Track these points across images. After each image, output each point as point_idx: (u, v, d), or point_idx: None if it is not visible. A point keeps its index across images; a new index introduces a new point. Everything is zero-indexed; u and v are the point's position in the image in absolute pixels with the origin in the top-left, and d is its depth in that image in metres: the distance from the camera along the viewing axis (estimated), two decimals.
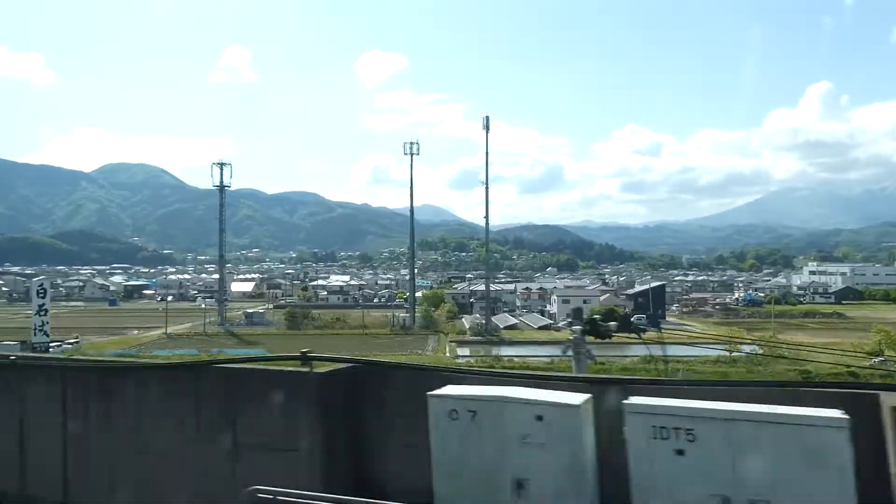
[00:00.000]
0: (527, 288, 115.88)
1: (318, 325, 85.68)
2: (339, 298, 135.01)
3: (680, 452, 6.07)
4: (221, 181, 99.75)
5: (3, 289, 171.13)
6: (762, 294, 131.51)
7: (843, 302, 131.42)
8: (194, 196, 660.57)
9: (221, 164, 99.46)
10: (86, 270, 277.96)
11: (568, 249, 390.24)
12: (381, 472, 8.28)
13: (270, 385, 8.41)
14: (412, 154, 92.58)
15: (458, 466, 6.86)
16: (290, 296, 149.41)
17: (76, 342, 66.58)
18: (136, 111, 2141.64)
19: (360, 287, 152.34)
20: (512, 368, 50.65)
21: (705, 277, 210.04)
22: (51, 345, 60.43)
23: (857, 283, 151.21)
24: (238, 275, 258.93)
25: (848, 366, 45.17)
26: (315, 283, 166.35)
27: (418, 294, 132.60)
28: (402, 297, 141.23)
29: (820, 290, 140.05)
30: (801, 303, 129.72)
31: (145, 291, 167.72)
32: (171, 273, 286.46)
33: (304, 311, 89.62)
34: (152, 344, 74.31)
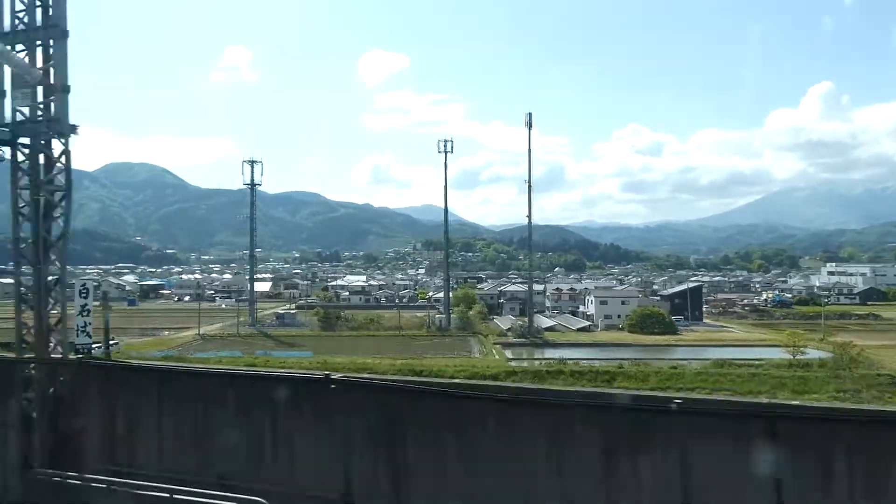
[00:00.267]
0: (557, 289, 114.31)
1: (352, 326, 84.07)
2: (360, 299, 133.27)
3: None
4: (252, 179, 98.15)
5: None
6: (789, 295, 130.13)
7: (868, 303, 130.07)
8: (196, 196, 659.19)
9: (252, 162, 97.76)
10: (92, 270, 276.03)
11: (574, 250, 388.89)
12: None
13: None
14: (446, 152, 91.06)
15: None
16: (307, 296, 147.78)
17: (115, 344, 64.78)
18: (137, 111, 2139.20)
19: (380, 287, 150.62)
20: (581, 372, 49.16)
21: (721, 278, 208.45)
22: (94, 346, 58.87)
23: (879, 284, 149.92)
24: (244, 275, 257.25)
25: None
26: (333, 283, 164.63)
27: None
28: (423, 298, 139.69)
29: (844, 290, 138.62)
30: (826, 304, 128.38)
31: (162, 291, 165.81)
32: (178, 272, 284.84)
33: (336, 312, 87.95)
34: (188, 345, 72.70)
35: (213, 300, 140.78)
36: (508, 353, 66.12)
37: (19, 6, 12.85)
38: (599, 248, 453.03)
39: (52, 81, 12.81)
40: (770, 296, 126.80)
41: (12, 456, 11.01)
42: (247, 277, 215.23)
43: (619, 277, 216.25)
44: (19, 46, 12.82)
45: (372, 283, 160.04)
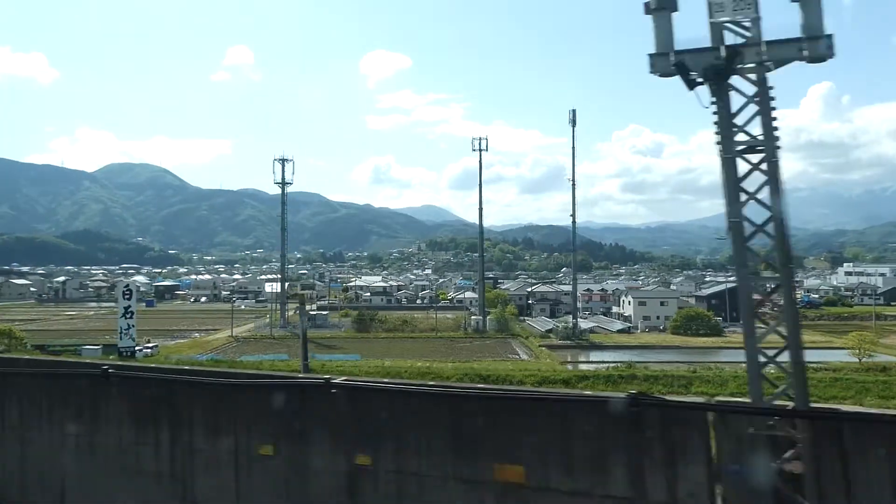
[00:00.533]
0: (588, 290, 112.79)
1: (387, 327, 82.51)
2: (382, 300, 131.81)
3: None
4: (283, 177, 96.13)
5: (32, 289, 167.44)
6: (815, 296, 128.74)
7: (893, 303, 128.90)
8: (197, 196, 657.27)
9: (283, 160, 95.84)
10: (98, 271, 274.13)
11: (581, 250, 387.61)
12: None
13: None
14: (480, 150, 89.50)
15: None
16: (321, 297, 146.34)
17: (154, 347, 63.31)
18: (138, 111, 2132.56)
19: (399, 287, 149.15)
20: (656, 377, 47.73)
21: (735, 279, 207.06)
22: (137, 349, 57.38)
23: None
24: (255, 275, 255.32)
25: None
26: (351, 283, 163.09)
27: (470, 295, 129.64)
28: (444, 298, 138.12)
29: (868, 291, 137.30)
30: (852, 304, 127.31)
31: (177, 292, 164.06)
32: (184, 273, 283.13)
33: (370, 314, 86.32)
34: (224, 348, 71.13)
35: (231, 301, 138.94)
36: (563, 357, 64.62)
37: None
38: (604, 248, 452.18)
39: None
40: (798, 297, 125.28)
41: None
42: (259, 277, 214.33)
43: (639, 278, 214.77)
44: None
45: (391, 283, 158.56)
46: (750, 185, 8.40)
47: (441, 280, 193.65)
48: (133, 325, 56.28)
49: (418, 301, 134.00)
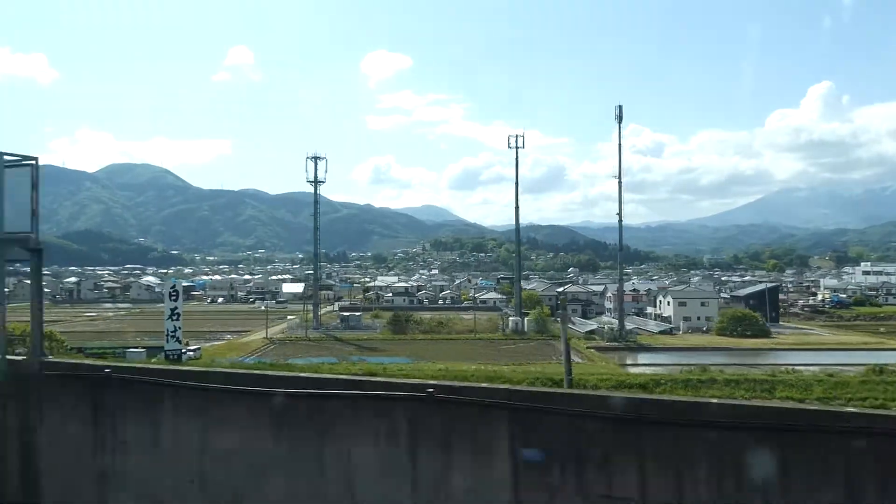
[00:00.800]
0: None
1: (423, 328, 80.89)
2: (404, 300, 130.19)
3: None
4: (315, 177, 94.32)
5: (46, 290, 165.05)
6: (843, 295, 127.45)
7: None
8: (198, 197, 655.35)
9: (316, 158, 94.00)
10: (103, 271, 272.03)
11: (587, 250, 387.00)
12: None
13: None
14: (517, 148, 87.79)
15: None
16: (340, 297, 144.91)
17: (197, 350, 61.56)
18: (139, 112, 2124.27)
19: (419, 288, 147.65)
20: (736, 381, 46.19)
21: (752, 278, 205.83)
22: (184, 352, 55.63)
23: None
24: (255, 275, 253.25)
25: None
26: (370, 283, 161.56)
27: (493, 296, 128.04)
28: (466, 299, 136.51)
29: (893, 290, 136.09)
30: (879, 304, 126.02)
31: (193, 293, 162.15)
32: (189, 273, 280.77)
33: (406, 315, 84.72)
34: (263, 350, 69.51)
35: (250, 301, 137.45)
36: (613, 359, 62.98)
37: None
38: (608, 247, 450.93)
39: None
40: (827, 296, 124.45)
41: None
42: (271, 278, 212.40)
43: (653, 277, 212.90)
44: None
45: (411, 283, 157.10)
46: None
47: (458, 280, 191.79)
48: (180, 328, 54.57)
49: (440, 301, 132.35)
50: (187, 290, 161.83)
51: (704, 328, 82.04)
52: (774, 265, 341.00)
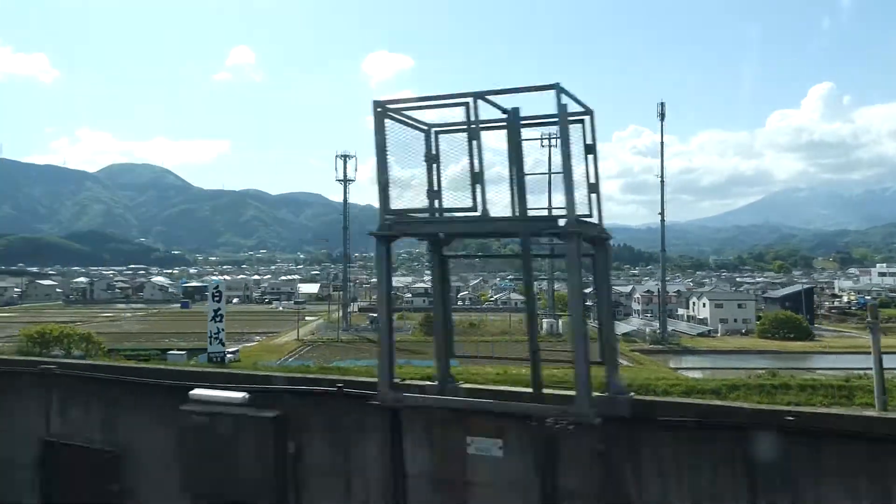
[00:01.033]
0: (648, 291, 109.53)
1: (457, 330, 79.28)
2: (423, 301, 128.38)
3: None
4: (345, 175, 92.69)
5: (58, 290, 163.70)
6: (868, 297, 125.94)
7: None
8: (199, 197, 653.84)
9: (345, 157, 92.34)
10: (109, 272, 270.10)
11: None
12: None
13: None
14: (550, 146, 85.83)
15: None
16: (355, 298, 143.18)
17: (235, 352, 60.00)
18: (140, 112, 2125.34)
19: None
20: (813, 386, 44.78)
21: (764, 279, 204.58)
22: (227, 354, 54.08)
23: None
24: (254, 275, 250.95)
25: None
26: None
27: (514, 296, 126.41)
28: (485, 299, 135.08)
29: None
30: None
31: (206, 293, 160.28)
32: (195, 274, 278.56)
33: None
34: (297, 352, 67.92)
35: (267, 302, 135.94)
36: (661, 361, 61.43)
37: None
38: (612, 248, 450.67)
39: None
40: (853, 298, 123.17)
41: None
42: (282, 278, 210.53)
43: (675, 278, 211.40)
44: None
45: (424, 285, 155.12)
46: None
47: (473, 281, 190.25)
48: (223, 329, 53.09)
49: (459, 303, 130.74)
50: (201, 290, 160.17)
51: (743, 330, 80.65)
52: (780, 266, 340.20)
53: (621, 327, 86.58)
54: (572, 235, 6.37)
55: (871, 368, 54.25)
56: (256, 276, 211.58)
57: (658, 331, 73.66)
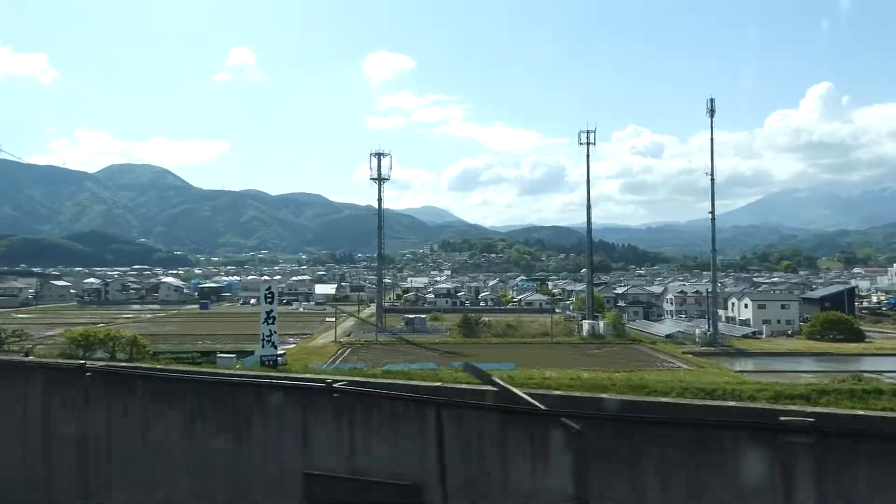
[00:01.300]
0: (682, 292, 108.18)
1: (495, 332, 77.66)
2: (446, 302, 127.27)
3: None
4: (379, 174, 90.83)
5: (71, 291, 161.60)
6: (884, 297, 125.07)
7: None
8: (199, 197, 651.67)
9: (380, 155, 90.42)
10: (114, 272, 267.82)
11: (601, 251, 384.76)
12: None
13: None
14: (588, 143, 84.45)
15: None
16: (373, 299, 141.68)
17: (282, 355, 58.13)
18: (140, 112, 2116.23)
19: (457, 290, 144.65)
20: None
21: (778, 280, 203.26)
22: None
23: None
24: (260, 275, 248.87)
25: None
26: (407, 285, 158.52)
27: (538, 297, 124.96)
28: (508, 301, 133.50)
29: None
30: None
31: (223, 294, 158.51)
32: (200, 274, 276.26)
33: (476, 317, 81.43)
34: (337, 355, 66.16)
35: (285, 303, 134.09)
36: (717, 364, 59.74)
37: None
38: (616, 249, 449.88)
39: None
40: (883, 298, 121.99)
41: None
42: (295, 279, 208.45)
43: (671, 279, 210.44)
44: None
45: (446, 285, 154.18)
46: None
47: (493, 281, 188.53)
48: (275, 332, 51.28)
49: (482, 304, 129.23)
50: (216, 290, 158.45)
51: (789, 332, 79.08)
52: (787, 266, 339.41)
53: (662, 328, 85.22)
54: None
55: None
56: (266, 277, 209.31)
57: (708, 332, 71.97)
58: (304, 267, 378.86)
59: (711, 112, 72.31)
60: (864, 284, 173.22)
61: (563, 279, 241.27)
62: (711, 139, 72.94)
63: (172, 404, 7.66)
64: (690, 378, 49.66)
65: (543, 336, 76.65)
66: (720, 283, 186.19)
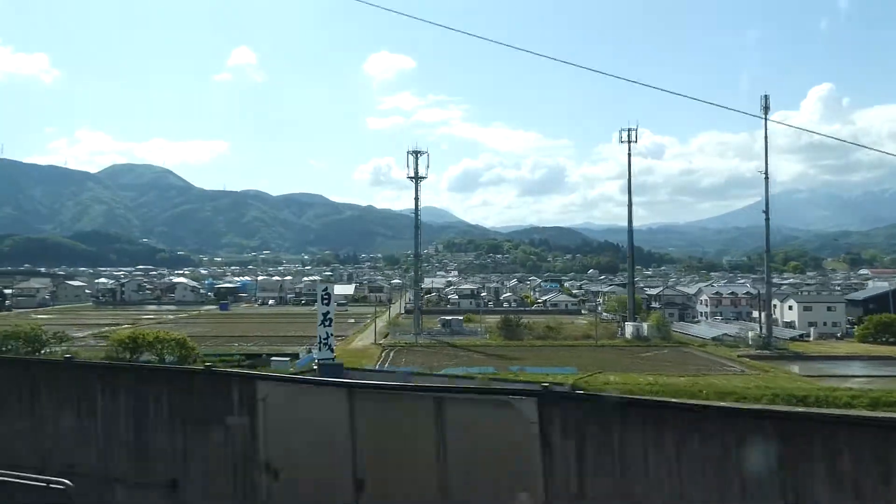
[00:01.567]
0: (717, 293, 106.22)
1: (537, 334, 75.94)
2: (470, 303, 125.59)
3: None
4: (416, 173, 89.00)
5: (86, 291, 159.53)
6: None
7: None
8: (201, 197, 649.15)
9: (417, 153, 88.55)
10: (119, 272, 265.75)
11: (608, 251, 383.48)
12: None
13: None
14: (630, 141, 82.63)
15: None
16: (388, 299, 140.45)
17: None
18: (141, 112, 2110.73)
19: (479, 291, 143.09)
20: None
21: (795, 280, 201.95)
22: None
23: None
24: (261, 276, 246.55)
25: None
26: (425, 286, 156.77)
27: (563, 298, 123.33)
28: (532, 301, 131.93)
29: None
30: None
31: (241, 294, 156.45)
32: (206, 275, 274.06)
33: (516, 319, 79.62)
34: (382, 358, 64.37)
35: (303, 303, 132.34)
36: (774, 368, 58.08)
37: None
38: (621, 249, 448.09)
39: None
40: None
41: None
42: (304, 279, 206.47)
43: (702, 280, 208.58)
44: None
45: (468, 286, 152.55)
46: None
47: (511, 282, 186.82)
48: (332, 334, 49.45)
49: (504, 305, 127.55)
50: (233, 291, 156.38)
51: (838, 334, 77.42)
52: (795, 267, 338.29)
53: (701, 330, 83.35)
54: None
55: None
56: (276, 277, 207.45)
57: (762, 335, 70.19)
58: (309, 268, 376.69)
59: (766, 109, 70.39)
60: (883, 285, 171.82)
61: (579, 280, 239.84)
62: (766, 137, 71.29)
63: None
64: (768, 384, 47.95)
65: (586, 338, 74.93)
66: (742, 283, 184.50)
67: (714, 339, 74.16)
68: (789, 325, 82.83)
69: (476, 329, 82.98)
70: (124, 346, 51.66)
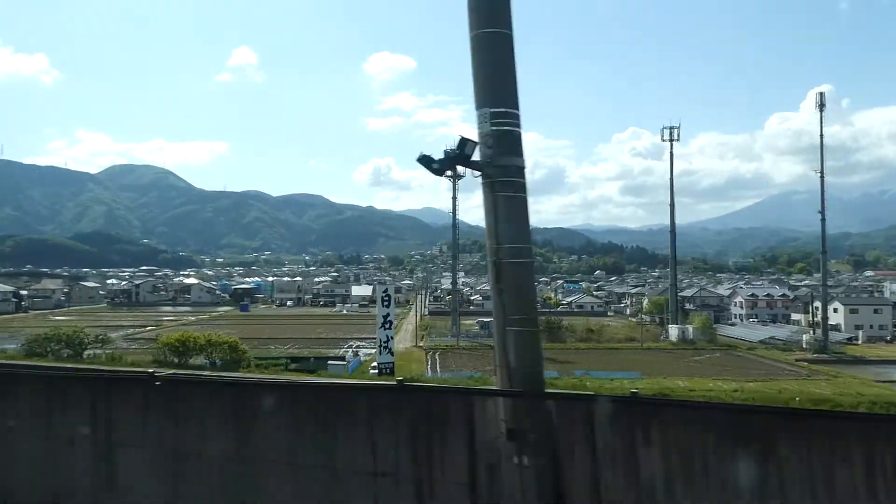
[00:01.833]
0: (753, 295, 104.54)
1: (578, 337, 74.20)
2: None
3: None
4: (455, 171, 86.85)
5: (101, 293, 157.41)
6: None
7: None
8: (201, 198, 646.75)
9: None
10: (125, 273, 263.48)
11: (615, 252, 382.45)
12: None
13: None
14: (671, 140, 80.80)
15: None
16: (407, 301, 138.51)
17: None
18: (141, 112, 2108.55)
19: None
20: None
21: (811, 282, 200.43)
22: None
23: None
24: (269, 277, 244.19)
25: None
26: (444, 286, 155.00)
27: (588, 300, 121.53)
28: (556, 303, 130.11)
29: None
30: None
31: (258, 295, 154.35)
32: (211, 276, 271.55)
33: (557, 321, 77.91)
34: (427, 361, 62.49)
35: (322, 305, 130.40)
36: (838, 372, 56.31)
37: None
38: (625, 250, 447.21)
39: None
40: None
41: None
42: (316, 279, 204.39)
43: (710, 282, 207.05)
44: None
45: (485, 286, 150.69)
46: None
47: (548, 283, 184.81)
48: (392, 337, 47.57)
49: None
50: (250, 292, 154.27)
51: (888, 337, 75.80)
52: (802, 269, 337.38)
53: (742, 332, 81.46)
54: None
55: None
56: (289, 278, 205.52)
57: (817, 338, 68.45)
58: (314, 268, 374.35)
59: (821, 106, 68.76)
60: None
61: (587, 281, 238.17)
62: (821, 135, 69.64)
63: None
64: (847, 390, 46.22)
65: (629, 341, 73.13)
66: (752, 284, 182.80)
67: (762, 342, 72.40)
68: (835, 327, 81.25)
69: None
70: (173, 349, 49.74)
